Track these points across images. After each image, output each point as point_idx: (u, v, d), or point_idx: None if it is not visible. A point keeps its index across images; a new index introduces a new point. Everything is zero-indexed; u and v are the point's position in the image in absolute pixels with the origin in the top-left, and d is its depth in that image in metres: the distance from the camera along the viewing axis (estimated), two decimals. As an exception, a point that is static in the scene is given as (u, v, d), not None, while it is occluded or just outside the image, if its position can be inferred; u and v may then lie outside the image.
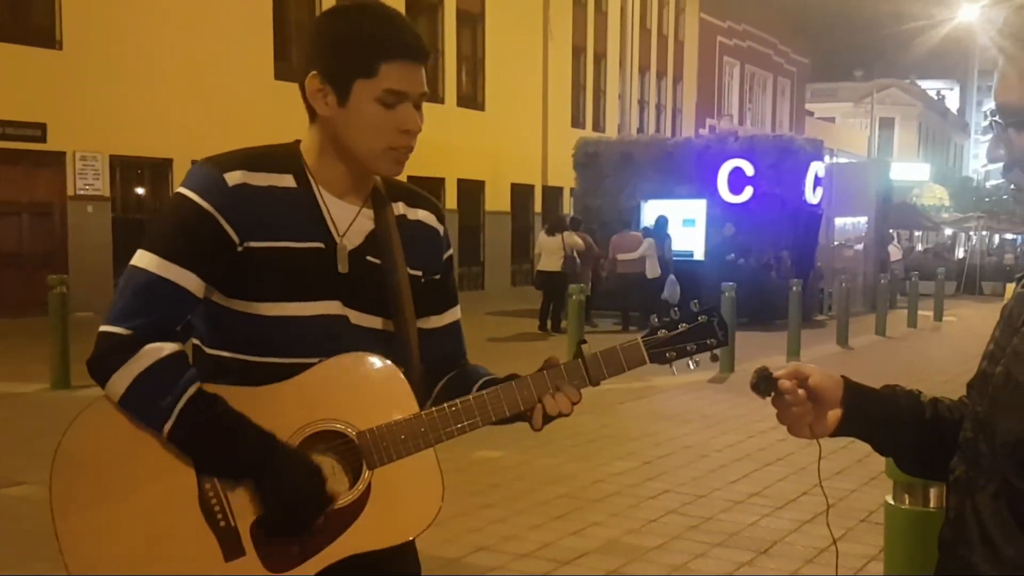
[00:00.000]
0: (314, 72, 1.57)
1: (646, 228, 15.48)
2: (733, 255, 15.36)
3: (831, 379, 1.41)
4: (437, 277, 1.75)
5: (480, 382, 1.68)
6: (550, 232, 14.49)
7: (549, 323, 14.25)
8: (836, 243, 19.26)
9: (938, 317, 17.87)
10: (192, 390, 1.49)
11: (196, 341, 1.63)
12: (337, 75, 1.56)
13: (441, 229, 1.77)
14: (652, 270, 14.77)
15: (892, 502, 2.49)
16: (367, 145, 1.58)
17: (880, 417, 1.42)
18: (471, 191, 23.04)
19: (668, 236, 15.28)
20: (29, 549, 4.37)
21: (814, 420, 1.42)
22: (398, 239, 1.66)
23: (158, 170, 16.56)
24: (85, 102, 15.03)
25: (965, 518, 1.25)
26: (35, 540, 4.48)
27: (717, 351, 1.64)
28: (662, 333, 1.61)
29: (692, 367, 1.63)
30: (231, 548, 1.50)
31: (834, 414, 1.41)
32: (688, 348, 1.61)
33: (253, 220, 1.55)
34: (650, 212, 16.96)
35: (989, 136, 1.28)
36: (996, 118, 1.24)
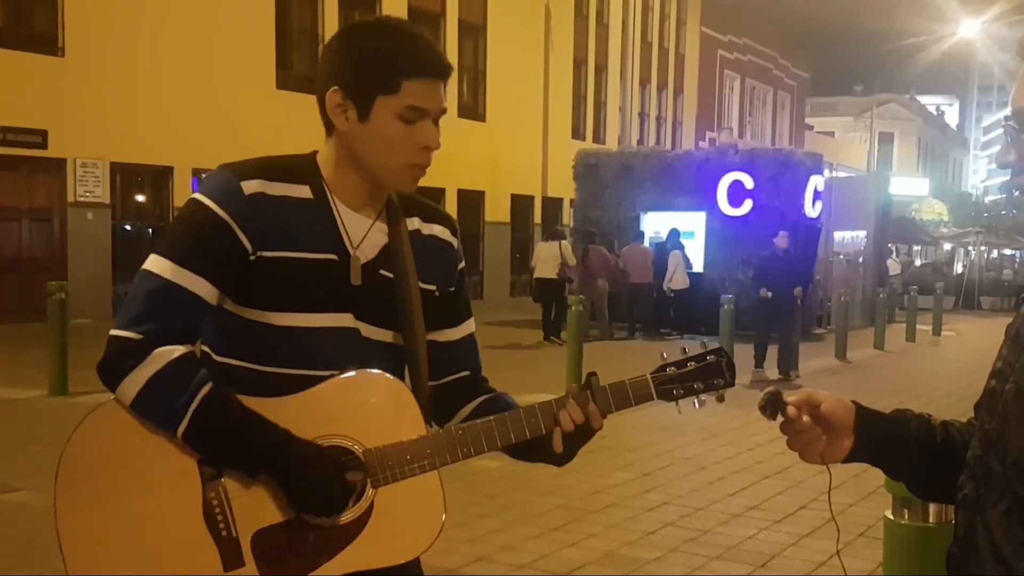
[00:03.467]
0: (335, 87, 1.57)
1: (669, 235, 15.62)
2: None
3: (842, 405, 1.41)
4: (451, 290, 1.75)
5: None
6: (548, 240, 14.62)
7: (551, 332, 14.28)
8: (839, 256, 19.25)
9: (936, 332, 17.87)
10: (205, 390, 1.49)
11: (205, 348, 1.63)
12: (359, 91, 1.56)
13: (455, 243, 1.77)
14: (678, 282, 15.09)
15: (891, 517, 2.49)
16: (386, 162, 1.58)
17: (891, 442, 1.42)
18: (471, 201, 23.07)
19: (683, 247, 15.56)
20: (25, 555, 4.36)
21: (826, 446, 1.42)
22: (411, 253, 1.66)
23: (158, 178, 16.56)
24: (86, 109, 15.05)
25: (976, 536, 1.24)
26: (32, 546, 4.47)
27: (724, 392, 1.64)
28: (671, 370, 1.61)
29: (697, 406, 1.64)
30: (231, 558, 1.50)
31: (847, 440, 1.41)
32: (695, 387, 1.61)
33: (267, 229, 1.55)
34: (650, 224, 17.08)
35: (988, 151, 1.28)
36: (1011, 122, 1.23)
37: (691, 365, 1.61)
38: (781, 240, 11.51)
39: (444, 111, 1.61)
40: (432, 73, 1.57)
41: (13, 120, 14.46)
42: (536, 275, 14.54)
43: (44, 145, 14.92)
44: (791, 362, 11.25)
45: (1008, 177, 1.27)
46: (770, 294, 11.02)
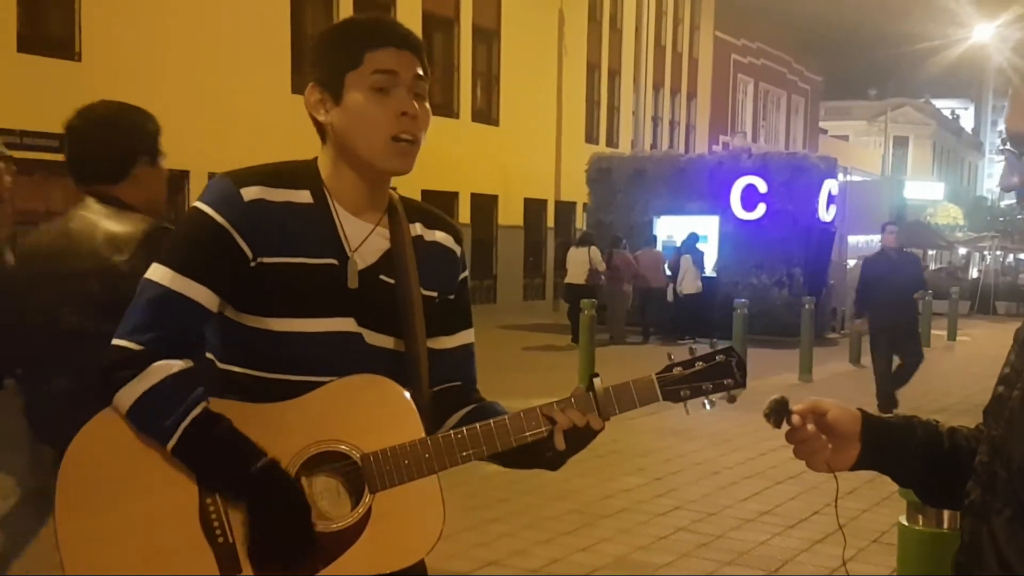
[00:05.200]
0: (311, 84, 1.61)
1: (684, 242, 15.69)
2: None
3: (848, 413, 1.41)
4: (451, 297, 1.73)
5: None
6: (578, 246, 14.92)
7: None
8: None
9: (951, 336, 17.77)
10: (197, 411, 1.49)
11: (209, 355, 1.63)
12: (329, 77, 1.59)
13: (458, 251, 1.76)
14: (689, 286, 15.17)
15: (906, 523, 2.48)
16: (369, 139, 1.57)
17: (898, 450, 1.41)
18: (484, 205, 23.09)
19: (700, 252, 15.60)
20: (36, 557, 4.38)
21: (833, 454, 1.41)
22: (413, 259, 1.65)
23: (174, 182, 16.55)
24: (102, 113, 15.16)
25: (981, 542, 1.24)
26: (42, 548, 4.49)
27: (735, 392, 1.58)
28: (677, 371, 1.57)
29: (707, 407, 1.59)
30: (228, 565, 1.49)
31: (854, 448, 1.41)
32: (704, 387, 1.57)
33: (268, 235, 1.55)
34: (663, 228, 17.10)
35: (1004, 156, 1.27)
36: (1008, 146, 1.23)
37: (699, 365, 1.57)
38: (889, 237, 8.83)
39: (421, 79, 1.60)
40: (394, 41, 1.58)
41: (30, 124, 14.57)
42: (567, 280, 14.91)
43: (61, 149, 14.93)
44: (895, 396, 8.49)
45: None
46: (864, 325, 8.70)
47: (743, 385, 1.58)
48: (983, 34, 39.70)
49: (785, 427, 1.41)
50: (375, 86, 1.56)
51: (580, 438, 1.56)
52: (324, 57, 1.60)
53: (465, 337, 1.77)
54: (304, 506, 1.48)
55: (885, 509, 5.46)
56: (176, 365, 1.50)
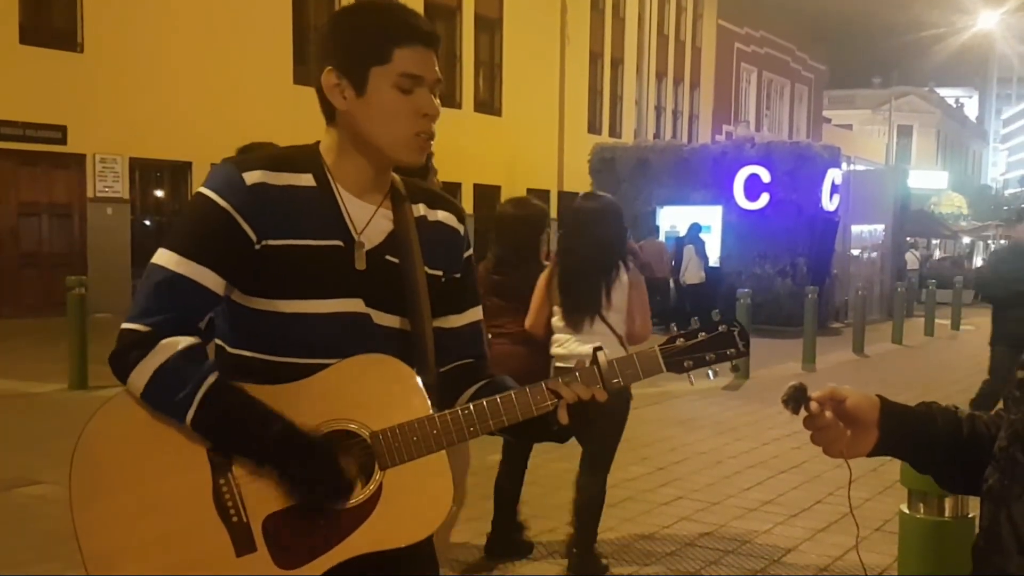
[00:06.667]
0: (329, 67, 1.60)
1: (687, 233, 15.68)
2: None
3: (867, 400, 1.41)
4: (457, 276, 1.76)
5: None
6: None
7: None
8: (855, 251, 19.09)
9: (955, 326, 17.75)
10: (212, 379, 1.51)
11: (219, 341, 1.65)
12: (352, 66, 1.59)
13: (461, 229, 1.78)
14: (693, 276, 15.18)
15: (907, 511, 2.48)
16: (390, 133, 1.59)
17: (917, 436, 1.41)
18: (487, 196, 23.06)
19: (703, 242, 15.61)
20: (45, 549, 4.40)
21: (851, 441, 1.41)
22: (416, 239, 1.67)
23: (177, 173, 16.67)
24: (105, 105, 15.15)
25: (1000, 527, 1.24)
26: (52, 540, 4.51)
27: (736, 361, 1.61)
28: (680, 342, 1.59)
29: (711, 377, 1.61)
30: (243, 543, 1.52)
31: (872, 435, 1.41)
32: (707, 357, 1.59)
33: (271, 218, 1.57)
34: (666, 218, 17.09)
35: (1008, 144, 1.27)
36: None
37: (702, 336, 1.59)
38: (1022, 228, 6.93)
39: (439, 81, 1.62)
40: (422, 40, 1.60)
41: (33, 116, 14.58)
42: None
43: (63, 141, 15.02)
44: None
45: None
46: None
47: (745, 354, 1.60)
48: (987, 22, 39.53)
49: (803, 413, 1.40)
50: (401, 86, 1.58)
51: (586, 411, 1.58)
52: (347, 45, 1.60)
53: (473, 314, 1.80)
54: (332, 454, 1.50)
55: (888, 498, 5.47)
56: (184, 341, 1.52)
